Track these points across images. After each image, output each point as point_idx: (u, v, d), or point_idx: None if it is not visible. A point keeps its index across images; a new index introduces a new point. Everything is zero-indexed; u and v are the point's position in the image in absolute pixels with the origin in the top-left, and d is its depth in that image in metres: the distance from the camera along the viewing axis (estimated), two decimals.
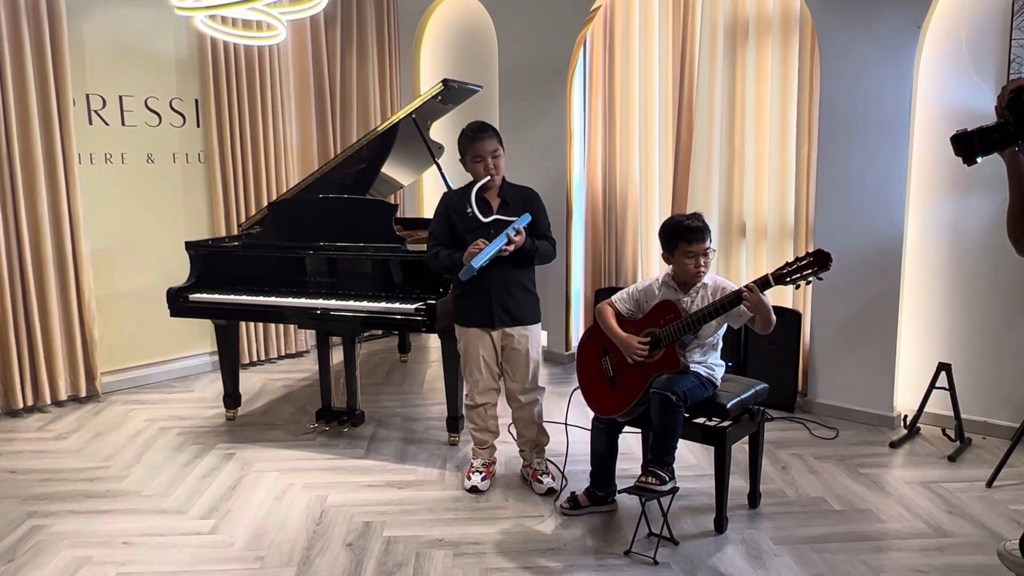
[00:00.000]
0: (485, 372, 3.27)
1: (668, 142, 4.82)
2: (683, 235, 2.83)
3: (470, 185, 3.18)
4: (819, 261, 2.59)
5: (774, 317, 2.74)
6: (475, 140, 3.11)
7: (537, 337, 3.30)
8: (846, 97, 3.92)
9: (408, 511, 3.12)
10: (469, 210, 3.12)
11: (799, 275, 2.62)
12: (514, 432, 3.41)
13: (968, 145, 2.17)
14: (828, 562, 2.70)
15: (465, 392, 3.38)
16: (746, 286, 2.67)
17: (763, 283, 2.67)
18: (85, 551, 2.83)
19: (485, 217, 3.11)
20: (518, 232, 3.02)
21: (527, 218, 3.10)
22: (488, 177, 3.12)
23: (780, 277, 2.65)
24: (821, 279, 2.63)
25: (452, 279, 3.29)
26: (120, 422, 4.20)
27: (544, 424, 3.40)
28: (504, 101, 5.32)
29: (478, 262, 2.93)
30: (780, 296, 4.32)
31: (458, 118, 5.41)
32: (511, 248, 3.01)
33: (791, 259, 2.67)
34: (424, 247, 3.78)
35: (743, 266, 4.57)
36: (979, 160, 2.17)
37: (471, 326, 3.24)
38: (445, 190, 3.34)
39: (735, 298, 2.69)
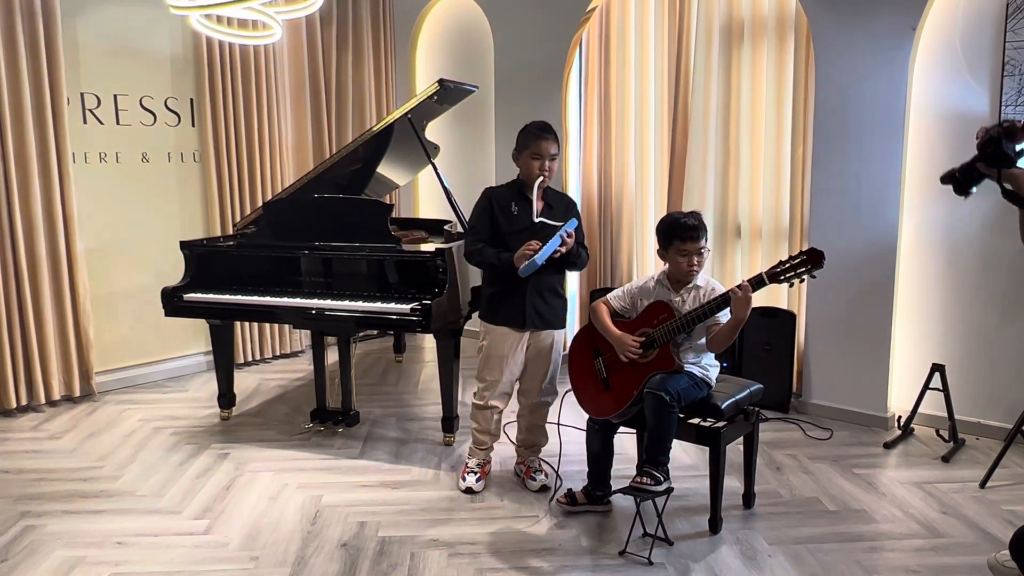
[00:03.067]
0: (505, 376, 3.23)
1: (663, 143, 4.82)
2: (678, 233, 2.84)
3: (515, 183, 3.17)
4: (812, 259, 2.61)
5: (736, 335, 2.77)
6: (540, 138, 3.10)
7: (560, 341, 3.30)
8: (841, 98, 3.93)
9: (403, 511, 3.12)
10: (514, 208, 3.11)
11: (792, 273, 2.64)
12: (511, 432, 3.41)
13: (955, 182, 2.38)
14: (822, 562, 2.70)
15: (475, 390, 3.34)
16: (738, 285, 2.68)
17: (757, 281, 2.68)
18: (79, 551, 2.82)
19: (535, 217, 3.10)
20: (570, 235, 3.02)
21: (575, 223, 3.09)
22: (542, 178, 3.10)
23: (774, 275, 2.67)
24: (815, 277, 2.65)
25: (486, 276, 3.26)
26: (114, 422, 4.19)
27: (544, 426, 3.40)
28: (500, 101, 5.32)
29: (541, 258, 2.92)
30: (775, 297, 4.33)
31: (454, 118, 5.43)
32: (563, 249, 3.01)
33: (784, 258, 2.68)
34: (420, 247, 3.79)
35: (738, 267, 4.57)
36: (974, 190, 2.35)
37: (501, 324, 3.21)
38: (488, 187, 3.28)
39: (727, 298, 2.70)
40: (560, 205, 3.22)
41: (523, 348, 3.22)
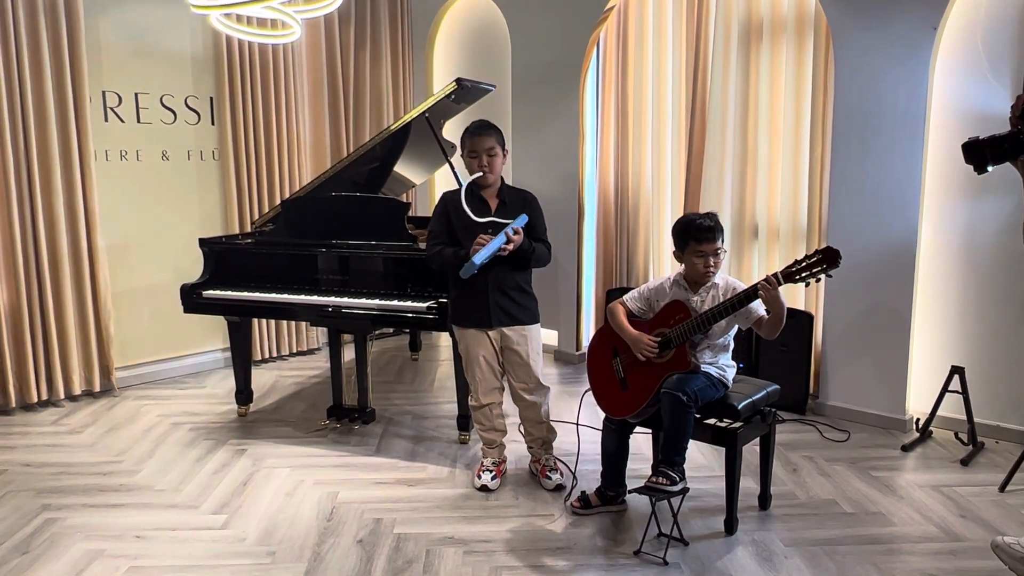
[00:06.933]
0: (487, 372, 3.28)
1: (681, 143, 4.81)
2: (694, 234, 2.83)
3: (469, 185, 3.20)
4: (828, 258, 2.58)
5: (783, 322, 2.73)
6: (473, 136, 3.16)
7: (536, 337, 3.31)
8: (861, 98, 3.90)
9: (418, 508, 3.13)
10: (467, 207, 3.14)
11: (808, 273, 2.62)
12: (522, 429, 3.42)
13: (979, 154, 2.18)
14: (839, 565, 2.69)
15: (469, 393, 3.40)
16: (765, 279, 2.66)
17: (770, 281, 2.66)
18: (98, 544, 2.85)
19: (480, 217, 3.13)
20: (516, 232, 3.04)
21: (524, 219, 3.12)
22: (480, 173, 3.14)
23: (789, 275, 2.65)
24: (831, 276, 2.62)
25: (450, 278, 3.29)
26: (133, 417, 4.23)
27: (552, 422, 3.41)
28: (517, 100, 5.32)
29: (479, 259, 2.94)
30: (792, 297, 4.31)
31: (471, 117, 5.42)
32: (510, 247, 3.02)
33: (800, 257, 2.67)
34: None
35: (755, 267, 4.55)
36: (989, 169, 2.18)
37: (469, 327, 3.25)
38: (445, 191, 3.37)
39: (749, 294, 2.69)
40: (516, 202, 3.23)
41: (497, 346, 3.25)
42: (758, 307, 2.79)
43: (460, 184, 3.94)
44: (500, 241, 2.99)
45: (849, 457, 3.63)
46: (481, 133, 3.16)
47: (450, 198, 3.27)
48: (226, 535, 2.93)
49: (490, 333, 3.23)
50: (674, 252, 2.94)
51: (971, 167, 2.21)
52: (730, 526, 2.91)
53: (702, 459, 3.59)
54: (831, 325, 4.12)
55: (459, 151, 3.26)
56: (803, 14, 4.21)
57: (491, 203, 3.21)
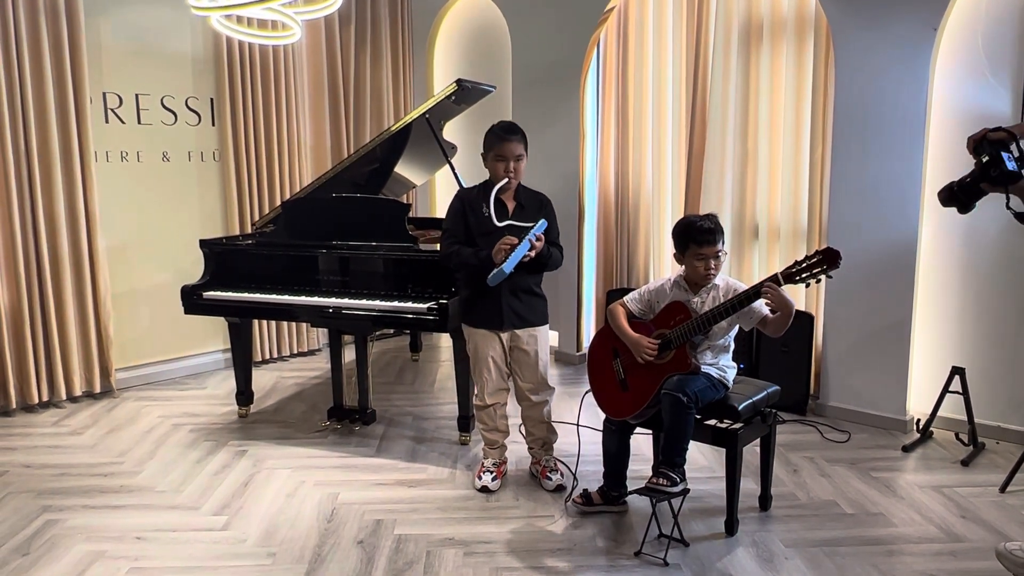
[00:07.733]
0: (494, 372, 3.28)
1: (681, 143, 4.81)
2: (694, 236, 2.83)
3: (487, 184, 3.18)
4: (828, 259, 2.58)
5: (790, 321, 2.73)
6: (503, 140, 3.11)
7: (545, 338, 3.31)
8: (861, 99, 3.90)
9: (419, 510, 3.13)
10: (485, 210, 3.12)
11: (808, 274, 2.62)
12: (523, 430, 3.42)
13: (956, 199, 2.34)
14: (839, 566, 2.69)
15: (475, 392, 3.39)
16: (768, 281, 2.66)
17: (772, 282, 2.66)
18: (99, 545, 2.85)
19: (500, 221, 3.11)
20: (539, 238, 3.03)
21: (544, 224, 3.09)
22: (506, 179, 3.12)
23: (790, 276, 2.64)
24: (831, 277, 2.62)
25: (463, 277, 3.29)
26: (134, 418, 4.23)
27: (553, 423, 3.41)
28: (517, 101, 5.32)
29: (509, 266, 2.93)
30: (793, 298, 4.29)
31: (472, 118, 5.44)
32: (532, 253, 3.01)
33: (800, 258, 2.67)
34: (437, 247, 3.80)
35: (755, 268, 4.55)
36: (975, 206, 2.33)
37: (479, 327, 3.25)
38: (459, 188, 3.34)
39: (750, 295, 2.69)
40: (533, 205, 3.22)
41: (506, 347, 3.25)
42: (761, 307, 2.79)
43: (461, 185, 3.96)
44: (525, 248, 2.98)
45: (849, 458, 3.63)
46: (510, 138, 3.11)
47: (466, 197, 3.24)
48: (227, 536, 2.93)
49: (501, 334, 3.23)
50: (674, 254, 2.94)
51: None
52: (731, 527, 2.91)
53: (702, 460, 3.59)
54: (831, 326, 4.12)
55: (481, 150, 3.19)
56: (803, 14, 4.21)
57: (509, 205, 3.20)
